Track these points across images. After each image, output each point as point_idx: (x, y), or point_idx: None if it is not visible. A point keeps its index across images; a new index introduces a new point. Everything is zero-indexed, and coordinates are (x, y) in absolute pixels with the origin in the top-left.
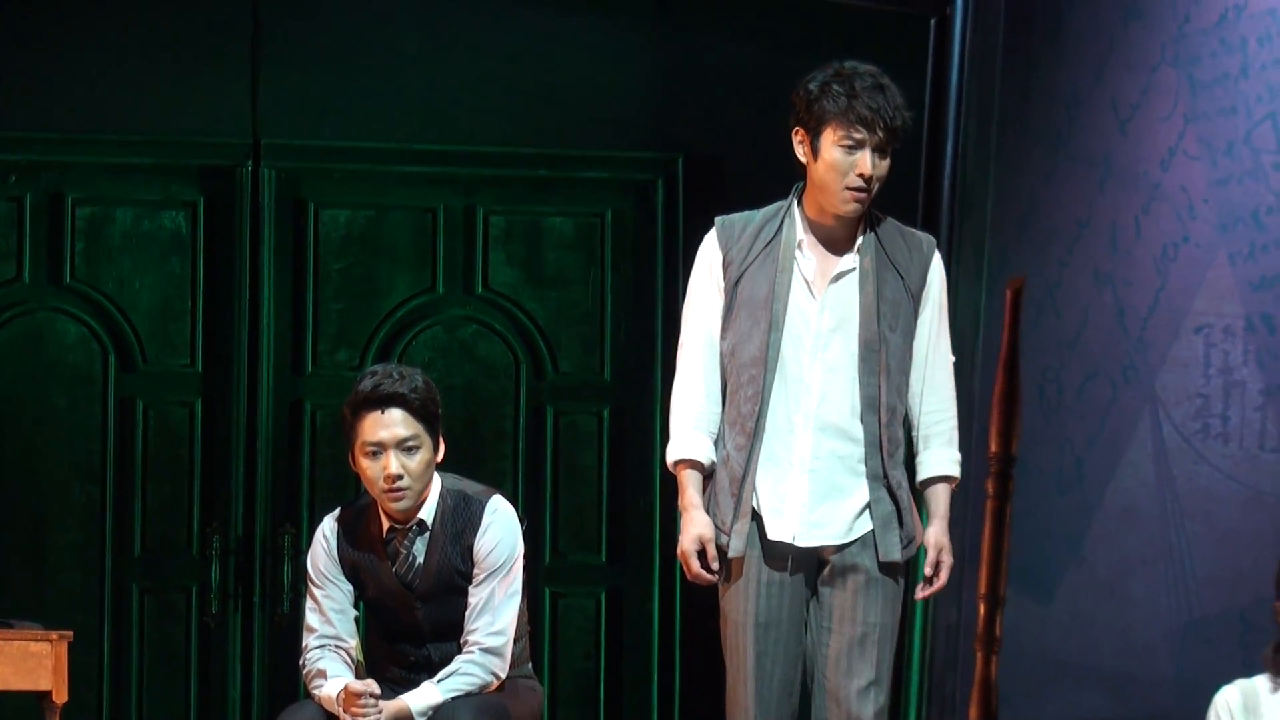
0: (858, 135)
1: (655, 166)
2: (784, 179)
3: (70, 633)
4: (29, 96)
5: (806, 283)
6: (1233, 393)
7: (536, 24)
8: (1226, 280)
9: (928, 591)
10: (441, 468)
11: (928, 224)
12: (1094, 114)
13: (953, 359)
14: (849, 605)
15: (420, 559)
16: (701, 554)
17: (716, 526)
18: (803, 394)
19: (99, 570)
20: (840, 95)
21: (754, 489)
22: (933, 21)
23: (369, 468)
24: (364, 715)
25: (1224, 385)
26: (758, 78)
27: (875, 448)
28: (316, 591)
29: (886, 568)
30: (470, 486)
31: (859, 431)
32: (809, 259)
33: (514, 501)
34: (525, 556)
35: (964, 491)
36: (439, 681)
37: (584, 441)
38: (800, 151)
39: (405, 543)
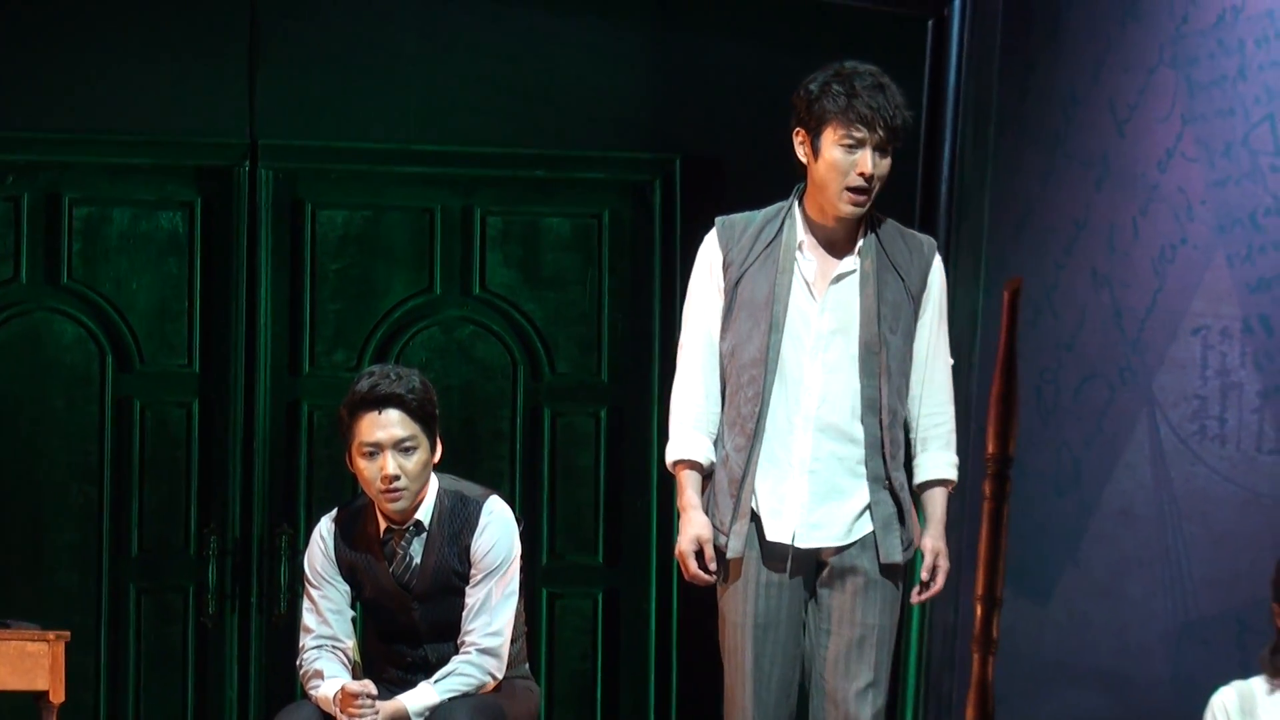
0: (858, 134)
1: (653, 167)
2: (782, 180)
3: (67, 633)
4: (27, 96)
5: (807, 284)
6: (1230, 394)
7: (534, 25)
8: (1224, 282)
9: (923, 596)
10: (439, 468)
11: (925, 225)
12: (1092, 115)
13: (951, 361)
14: (848, 607)
15: (417, 559)
16: (699, 554)
17: (715, 527)
18: (803, 395)
19: (96, 570)
20: (840, 94)
21: (753, 490)
22: (930, 23)
23: (366, 468)
24: (361, 715)
25: (1221, 387)
26: (755, 79)
27: (876, 449)
28: (313, 592)
29: (886, 569)
30: (468, 487)
31: (859, 433)
32: (809, 260)
33: (511, 502)
34: (522, 557)
35: (961, 493)
36: (436, 682)
37: (581, 442)
38: (801, 152)
39: (402, 543)
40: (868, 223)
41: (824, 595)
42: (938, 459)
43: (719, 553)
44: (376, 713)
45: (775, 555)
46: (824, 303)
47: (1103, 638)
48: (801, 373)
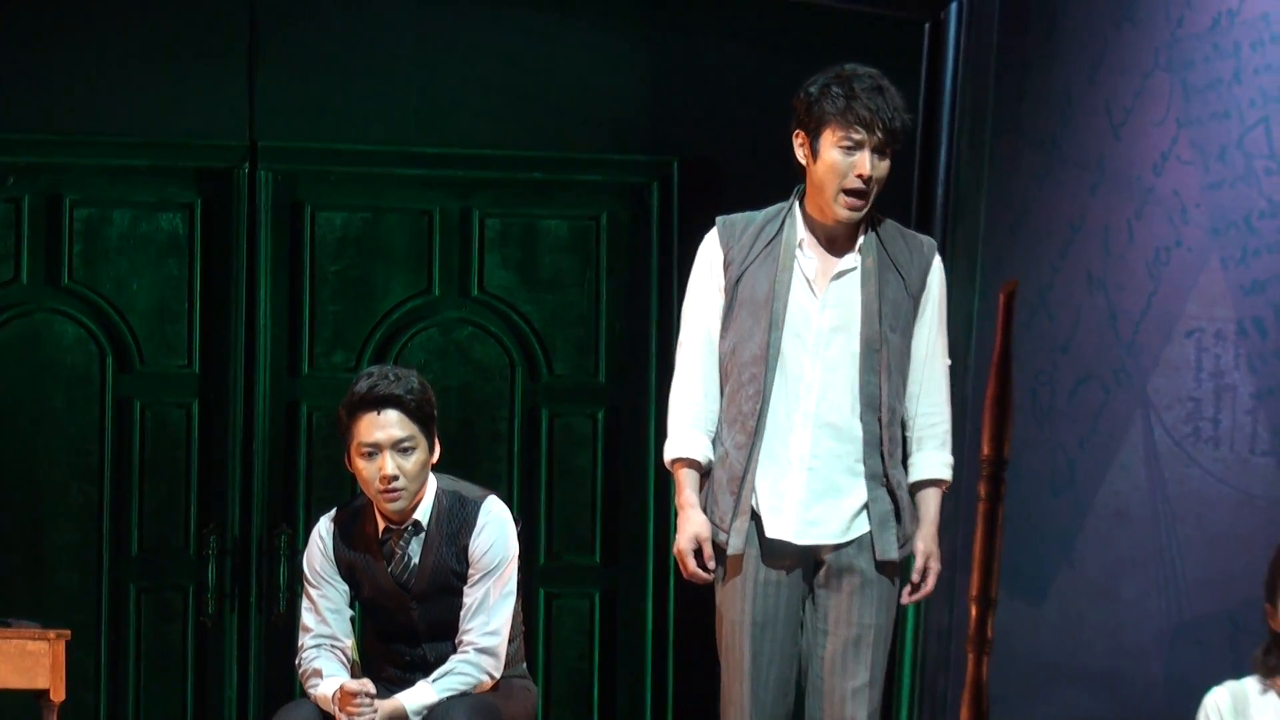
0: (856, 136)
1: (650, 170)
2: (779, 182)
3: (68, 632)
4: (28, 98)
5: (807, 281)
6: (1224, 396)
7: (532, 28)
8: (1218, 284)
9: (914, 597)
10: (437, 469)
11: (921, 227)
12: (1087, 118)
13: (949, 362)
14: (845, 606)
15: (415, 559)
16: (698, 553)
17: (715, 524)
18: (803, 392)
19: (96, 570)
20: (839, 96)
21: (754, 488)
22: (927, 26)
23: (365, 468)
24: (359, 714)
25: (1215, 389)
26: (752, 82)
27: (875, 447)
28: (312, 591)
29: (883, 568)
30: (466, 487)
31: (858, 431)
32: (810, 258)
33: (509, 502)
34: (520, 557)
35: (956, 494)
36: (434, 681)
37: (578, 443)
38: (800, 153)
39: (401, 543)
40: (868, 221)
41: (821, 594)
42: (933, 459)
43: (717, 550)
44: (375, 711)
45: (774, 553)
46: (825, 300)
47: (1097, 638)
48: (802, 370)
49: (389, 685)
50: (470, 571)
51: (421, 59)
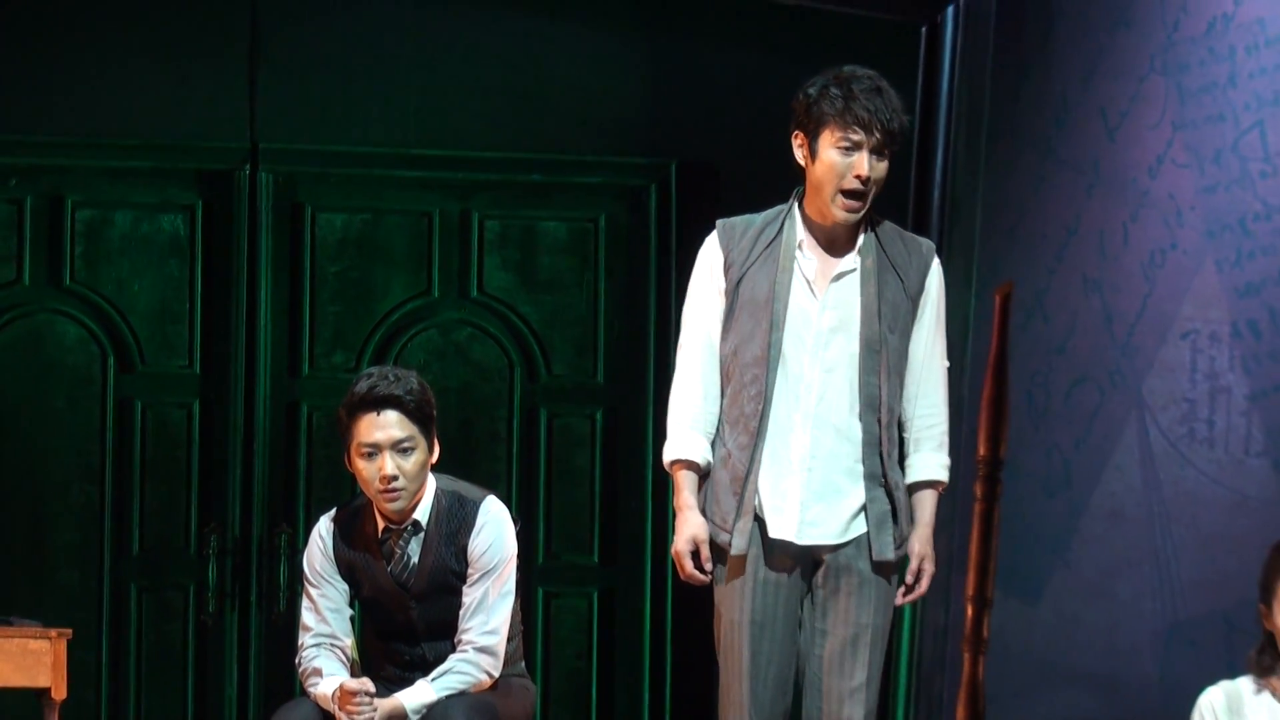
0: (854, 137)
1: (648, 172)
2: (776, 184)
3: (69, 630)
4: (29, 100)
5: (807, 282)
6: (1218, 398)
7: (531, 31)
8: (1213, 286)
9: (909, 598)
10: (436, 469)
11: (918, 229)
12: (1083, 121)
13: (947, 364)
14: (842, 606)
15: (415, 559)
16: (695, 555)
17: (717, 525)
18: (803, 392)
19: (98, 569)
20: (838, 97)
21: (757, 488)
22: (924, 29)
23: (364, 469)
24: (359, 713)
25: (1210, 390)
26: (750, 85)
27: (874, 447)
28: (312, 590)
29: (880, 568)
30: (465, 487)
31: (857, 431)
32: (810, 259)
33: (508, 502)
34: (518, 556)
35: (952, 494)
36: (433, 680)
37: (577, 443)
38: (799, 154)
39: (400, 543)
40: (868, 223)
41: (820, 594)
42: (929, 460)
43: (717, 551)
44: (374, 710)
45: (776, 553)
46: (825, 300)
47: (1092, 638)
48: (802, 370)
49: (388, 684)
50: (469, 571)
51: (421, 62)
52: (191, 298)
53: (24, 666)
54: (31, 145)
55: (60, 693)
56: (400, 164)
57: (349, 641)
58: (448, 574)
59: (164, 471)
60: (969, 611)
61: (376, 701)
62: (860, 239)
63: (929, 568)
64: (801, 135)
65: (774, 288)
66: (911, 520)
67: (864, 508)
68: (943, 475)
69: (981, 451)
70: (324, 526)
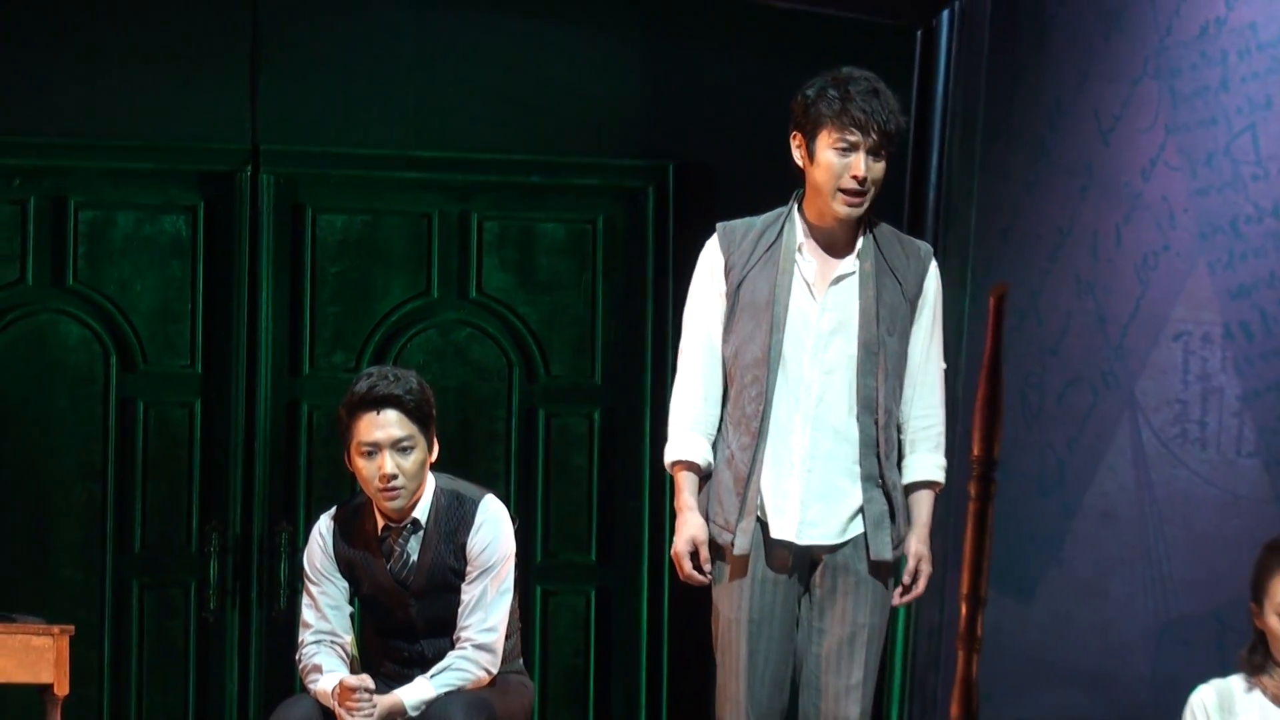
0: (852, 138)
1: (646, 174)
2: (773, 186)
3: (71, 627)
4: (32, 102)
5: (807, 284)
6: (1211, 399)
7: (530, 33)
8: (1205, 288)
9: (905, 598)
10: (435, 468)
11: (913, 231)
12: (1077, 124)
13: (944, 366)
14: (840, 606)
15: (414, 557)
16: (694, 555)
17: (719, 525)
18: (803, 394)
19: (100, 566)
20: (835, 99)
21: (759, 488)
22: (919, 33)
23: (364, 467)
24: (358, 709)
25: (1202, 391)
26: (747, 87)
27: (871, 449)
28: (313, 588)
29: (877, 568)
30: (464, 486)
31: (855, 432)
32: (809, 261)
33: (506, 501)
34: (516, 555)
35: (947, 494)
36: (432, 676)
37: (575, 443)
38: (798, 156)
39: (400, 541)
40: (866, 225)
41: (817, 593)
42: (926, 461)
43: (716, 549)
44: (374, 706)
45: (776, 552)
46: (824, 303)
47: (1085, 637)
48: (802, 372)
49: (388, 681)
50: (468, 569)
51: (421, 64)
52: (193, 298)
53: (26, 663)
54: (35, 147)
55: (62, 689)
56: (400, 165)
57: (349, 638)
58: (447, 572)
59: (165, 470)
60: (963, 610)
61: (376, 698)
62: (859, 242)
63: (926, 568)
64: (799, 136)
65: (774, 290)
66: (909, 521)
67: (862, 508)
68: (939, 476)
69: (975, 451)
70: (324, 525)
